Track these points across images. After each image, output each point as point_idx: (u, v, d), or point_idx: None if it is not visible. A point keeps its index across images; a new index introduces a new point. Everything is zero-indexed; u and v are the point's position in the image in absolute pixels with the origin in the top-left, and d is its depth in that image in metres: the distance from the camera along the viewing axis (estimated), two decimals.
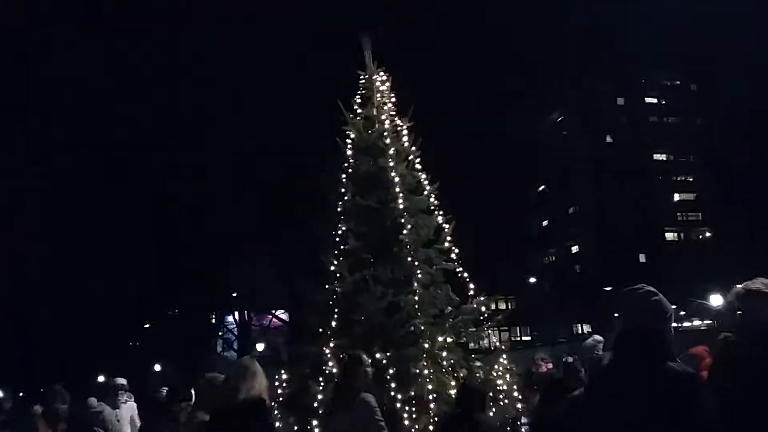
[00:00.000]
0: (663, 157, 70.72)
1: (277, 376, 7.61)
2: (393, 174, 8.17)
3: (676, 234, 69.83)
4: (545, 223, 73.70)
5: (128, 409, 8.46)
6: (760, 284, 3.34)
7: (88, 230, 29.82)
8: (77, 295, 30.02)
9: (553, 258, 72.52)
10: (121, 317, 30.51)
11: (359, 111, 8.70)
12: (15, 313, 30.06)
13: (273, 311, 35.25)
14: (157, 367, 36.52)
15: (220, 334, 37.13)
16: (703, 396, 2.70)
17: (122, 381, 8.32)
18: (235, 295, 32.94)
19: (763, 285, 3.33)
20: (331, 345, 7.35)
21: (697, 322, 34.17)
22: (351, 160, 8.49)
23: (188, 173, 28.75)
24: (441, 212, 8.32)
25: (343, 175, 8.43)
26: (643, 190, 64.20)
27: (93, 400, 7.18)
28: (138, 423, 8.44)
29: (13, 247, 28.69)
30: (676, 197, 70.81)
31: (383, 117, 8.59)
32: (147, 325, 34.71)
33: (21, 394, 20.04)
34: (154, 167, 29.01)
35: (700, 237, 68.83)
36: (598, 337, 7.30)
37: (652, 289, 3.00)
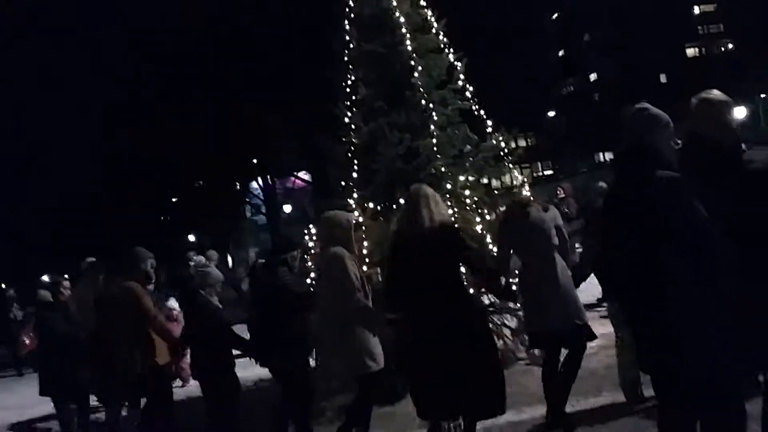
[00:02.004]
0: None
1: (306, 231, 7.78)
2: (397, 14, 7.81)
3: (697, 49, 67.55)
4: (561, 53, 71.55)
5: None
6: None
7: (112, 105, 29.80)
8: (101, 176, 30.54)
9: (572, 88, 71.09)
10: (147, 195, 31.08)
11: None
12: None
13: (295, 173, 35.55)
14: (191, 238, 37.71)
15: (247, 200, 37.78)
16: (687, 196, 2.86)
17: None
18: (255, 161, 33.12)
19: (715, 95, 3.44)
20: (355, 196, 7.40)
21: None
22: (352, 4, 8.11)
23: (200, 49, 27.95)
24: (452, 50, 8.02)
25: (346, 21, 8.09)
26: (660, 5, 61.37)
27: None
28: None
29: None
30: (696, 10, 67.77)
31: None
32: (174, 200, 35.33)
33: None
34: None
35: (723, 50, 66.53)
36: None
37: (647, 105, 3.22)
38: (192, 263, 9.46)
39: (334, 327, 4.88)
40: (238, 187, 35.75)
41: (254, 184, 36.31)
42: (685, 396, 2.82)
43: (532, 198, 5.78)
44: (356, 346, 4.83)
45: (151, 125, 28.62)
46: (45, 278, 12.90)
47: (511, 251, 5.27)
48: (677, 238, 2.80)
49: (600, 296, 8.46)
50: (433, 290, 4.40)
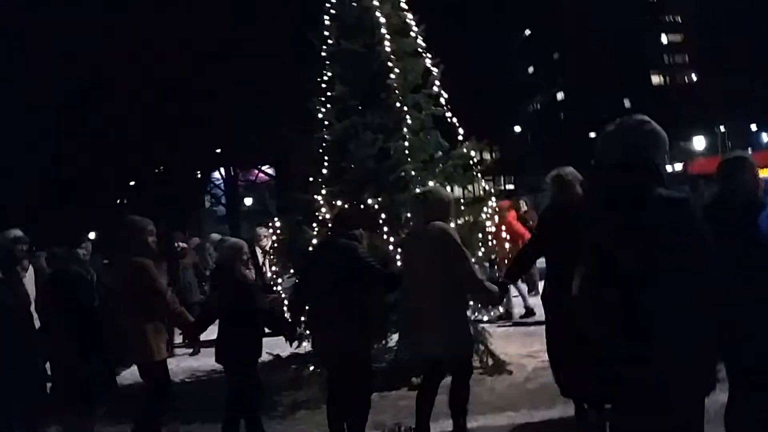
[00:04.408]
0: None
1: (269, 225, 7.72)
2: (378, 14, 7.80)
3: (661, 77, 69.15)
4: (530, 69, 72.50)
5: None
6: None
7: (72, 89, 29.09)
8: (61, 152, 29.76)
9: (538, 106, 72.08)
10: (105, 176, 30.47)
11: None
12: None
13: (259, 166, 35.27)
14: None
15: (207, 190, 37.35)
16: (691, 216, 2.72)
17: None
18: (219, 151, 32.75)
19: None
20: (323, 192, 7.37)
21: (678, 166, 34.68)
22: (333, 2, 8.07)
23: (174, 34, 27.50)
24: (429, 55, 8.05)
25: (326, 18, 8.05)
26: (629, 33, 62.71)
27: None
28: None
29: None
30: (664, 38, 69.41)
31: None
32: (132, 183, 34.68)
33: None
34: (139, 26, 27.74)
35: (686, 80, 68.26)
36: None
37: (648, 119, 2.96)
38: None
39: (434, 304, 4.71)
40: (199, 175, 35.28)
41: (216, 175, 35.88)
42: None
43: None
44: (459, 325, 4.78)
45: (117, 105, 28.10)
46: None
47: None
48: (678, 261, 2.65)
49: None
50: None
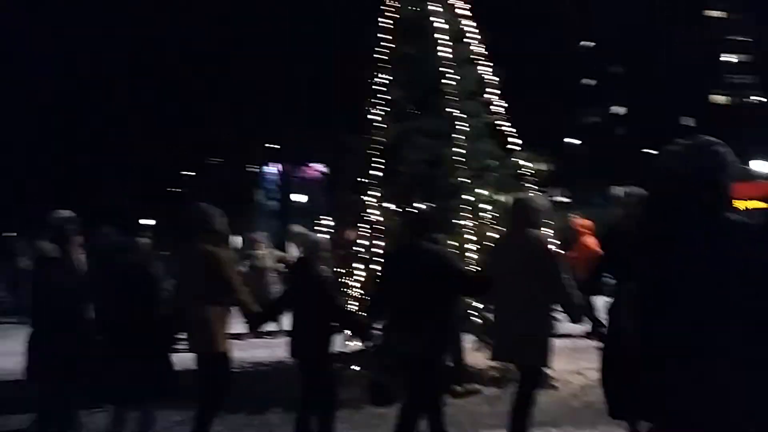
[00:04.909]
0: (714, 13, 66.69)
1: (316, 223, 7.81)
2: (437, 20, 7.83)
3: (723, 97, 67.27)
4: (590, 81, 71.38)
5: None
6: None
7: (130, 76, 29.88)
8: (118, 142, 30.54)
9: (595, 119, 70.91)
10: (162, 165, 31.13)
11: None
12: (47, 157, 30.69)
13: (312, 163, 35.62)
14: None
15: (260, 185, 37.90)
16: (758, 242, 2.61)
17: None
18: (274, 147, 33.23)
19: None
20: (372, 194, 7.42)
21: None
22: (392, 6, 8.12)
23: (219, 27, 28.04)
24: (486, 63, 8.03)
25: (386, 21, 8.10)
26: (693, 49, 61.22)
27: None
28: None
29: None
30: (729, 58, 67.54)
31: None
32: (188, 173, 35.37)
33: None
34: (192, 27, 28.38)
35: (752, 100, 66.24)
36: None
37: (715, 139, 2.85)
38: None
39: (525, 311, 4.72)
40: (253, 170, 35.82)
41: (270, 169, 36.37)
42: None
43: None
44: (547, 335, 4.81)
45: (176, 98, 28.71)
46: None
47: None
48: (743, 290, 2.57)
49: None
50: None
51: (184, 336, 5.05)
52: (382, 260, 6.06)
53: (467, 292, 5.31)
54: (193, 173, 35.23)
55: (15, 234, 19.21)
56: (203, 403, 4.92)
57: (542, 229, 5.14)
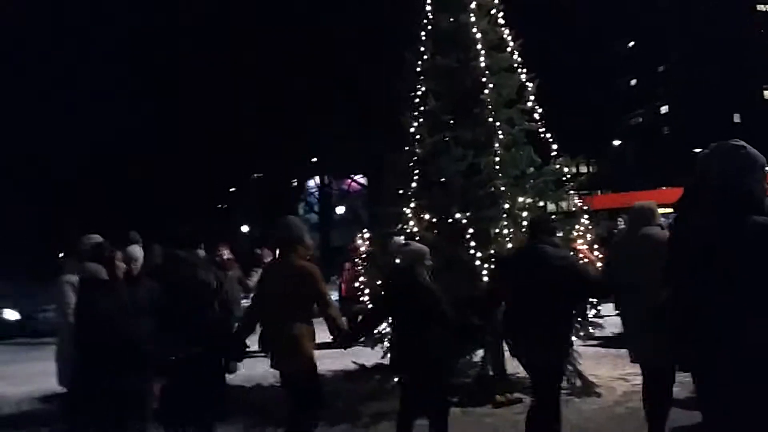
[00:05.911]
0: (764, 7, 64.81)
1: (358, 235, 7.85)
2: (474, 30, 7.82)
3: None
4: (633, 82, 70.13)
5: None
6: None
7: (174, 94, 30.62)
8: (166, 161, 31.20)
9: (640, 119, 69.57)
10: (207, 182, 31.67)
11: None
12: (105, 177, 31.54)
13: (352, 175, 35.86)
14: (245, 228, 38.35)
15: (301, 197, 38.29)
16: None
17: None
18: (315, 160, 33.56)
19: None
20: (412, 206, 7.44)
21: None
22: (429, 17, 8.15)
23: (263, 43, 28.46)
24: (524, 70, 8.00)
25: (422, 33, 8.14)
26: (739, 45, 59.60)
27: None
28: None
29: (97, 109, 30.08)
30: None
31: None
32: (232, 189, 36.00)
33: None
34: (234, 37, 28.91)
35: None
36: None
37: (743, 143, 2.88)
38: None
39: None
40: (295, 183, 36.23)
41: (311, 183, 36.74)
42: None
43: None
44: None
45: (221, 112, 29.18)
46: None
47: None
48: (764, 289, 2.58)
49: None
50: None
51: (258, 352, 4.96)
52: (501, 263, 6.00)
53: (589, 296, 5.38)
54: (239, 188, 35.81)
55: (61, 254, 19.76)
56: (298, 421, 4.79)
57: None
